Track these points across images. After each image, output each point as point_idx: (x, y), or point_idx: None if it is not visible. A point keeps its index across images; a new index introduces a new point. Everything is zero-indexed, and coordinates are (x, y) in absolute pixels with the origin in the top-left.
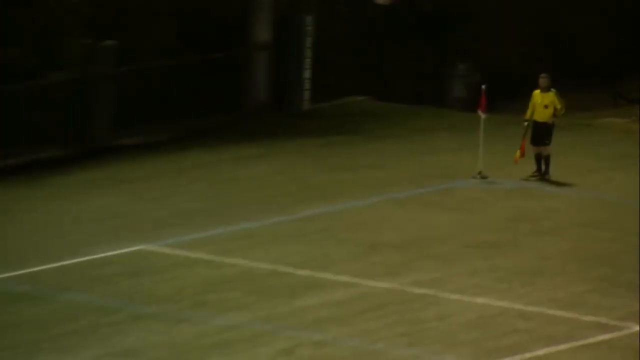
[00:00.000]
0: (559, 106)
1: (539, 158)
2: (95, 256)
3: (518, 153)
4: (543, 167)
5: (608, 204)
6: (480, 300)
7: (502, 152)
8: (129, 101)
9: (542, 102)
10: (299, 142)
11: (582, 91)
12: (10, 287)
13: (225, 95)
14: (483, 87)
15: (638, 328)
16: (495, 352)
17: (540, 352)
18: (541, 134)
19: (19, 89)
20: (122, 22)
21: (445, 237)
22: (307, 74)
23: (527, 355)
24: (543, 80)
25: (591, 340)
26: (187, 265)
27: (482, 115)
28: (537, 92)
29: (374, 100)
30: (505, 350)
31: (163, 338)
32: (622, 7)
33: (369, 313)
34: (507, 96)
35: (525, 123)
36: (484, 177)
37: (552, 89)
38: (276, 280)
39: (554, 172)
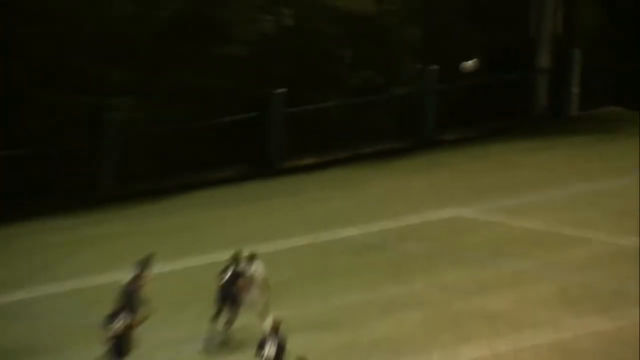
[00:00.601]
0: None
1: None
2: (422, 219)
3: None
4: None
5: None
6: None
7: None
8: (449, 108)
9: None
10: (569, 139)
11: None
12: (364, 239)
13: (517, 104)
14: None
15: None
16: None
17: None
18: None
19: (370, 100)
20: (443, 51)
21: None
22: (575, 89)
23: None
24: None
25: None
26: (487, 225)
27: None
28: None
29: (627, 109)
30: None
31: (470, 277)
32: None
33: (620, 263)
34: None
35: None
36: None
37: None
38: (551, 238)
39: None
